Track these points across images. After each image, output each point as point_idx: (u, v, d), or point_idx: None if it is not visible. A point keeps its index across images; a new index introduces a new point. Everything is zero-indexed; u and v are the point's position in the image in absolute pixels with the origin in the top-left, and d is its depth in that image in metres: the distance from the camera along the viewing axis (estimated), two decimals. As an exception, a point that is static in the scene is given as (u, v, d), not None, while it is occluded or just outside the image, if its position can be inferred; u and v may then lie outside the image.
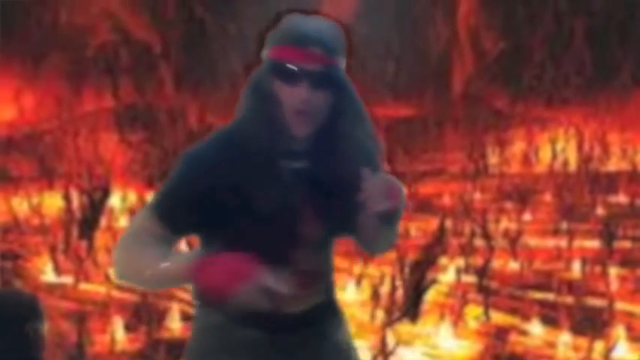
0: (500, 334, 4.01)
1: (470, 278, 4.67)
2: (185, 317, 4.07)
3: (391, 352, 3.65)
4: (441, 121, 9.82)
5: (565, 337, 3.89)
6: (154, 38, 9.99)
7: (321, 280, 1.86)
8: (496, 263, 4.91)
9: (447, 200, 6.62)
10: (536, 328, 4.03)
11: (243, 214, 1.69)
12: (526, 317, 4.14)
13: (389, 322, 3.98)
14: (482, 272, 4.56)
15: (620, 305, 4.29)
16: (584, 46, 10.37)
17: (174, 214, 1.70)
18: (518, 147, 8.87)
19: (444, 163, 8.23)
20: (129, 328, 4.02)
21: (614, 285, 4.63)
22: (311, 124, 1.70)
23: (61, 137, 8.45)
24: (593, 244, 5.35)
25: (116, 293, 4.52)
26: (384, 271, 4.58)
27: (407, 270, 4.28)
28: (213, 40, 10.08)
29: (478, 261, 4.83)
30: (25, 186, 6.73)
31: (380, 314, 4.11)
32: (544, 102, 10.13)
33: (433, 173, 7.82)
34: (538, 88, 10.35)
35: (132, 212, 5.83)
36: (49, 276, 4.89)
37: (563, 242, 5.31)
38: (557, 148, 8.43)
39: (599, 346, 3.77)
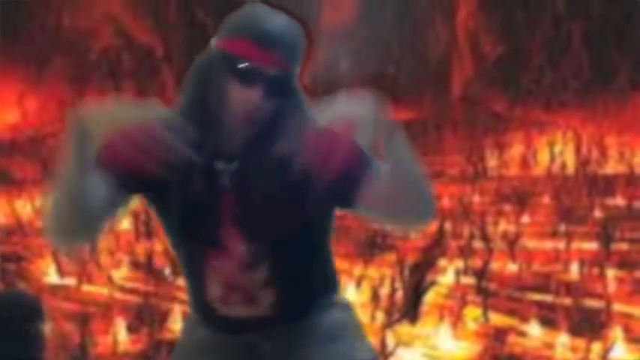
0: (499, 335, 4.02)
1: (469, 280, 4.69)
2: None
3: (391, 353, 3.68)
4: (440, 124, 9.86)
5: (563, 338, 3.91)
6: (156, 42, 10.03)
7: (281, 291, 1.66)
8: (495, 265, 4.93)
9: (446, 203, 6.65)
10: (534, 329, 4.04)
11: (162, 202, 1.60)
12: (524, 318, 4.16)
13: (389, 324, 4.00)
14: (481, 274, 4.58)
15: (617, 307, 4.30)
16: (582, 50, 10.41)
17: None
18: (516, 150, 8.90)
19: (443, 166, 8.25)
20: (131, 329, 4.04)
21: (612, 286, 4.65)
22: (254, 131, 1.53)
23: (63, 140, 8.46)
24: (591, 246, 5.37)
25: (119, 295, 4.56)
26: (383, 272, 4.63)
27: (406, 272, 4.30)
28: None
29: (477, 263, 4.85)
30: (28, 188, 6.77)
31: (380, 315, 4.14)
32: (542, 105, 10.17)
33: (432, 176, 7.81)
34: (536, 91, 10.39)
35: (134, 214, 5.87)
36: (52, 278, 4.91)
37: (561, 244, 5.32)
38: (555, 151, 8.47)
39: (596, 347, 3.78)
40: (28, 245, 5.60)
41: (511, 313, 4.29)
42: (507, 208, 6.44)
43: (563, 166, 7.98)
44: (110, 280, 4.69)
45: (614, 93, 9.77)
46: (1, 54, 9.08)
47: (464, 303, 4.27)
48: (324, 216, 1.66)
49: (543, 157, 8.50)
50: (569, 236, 5.42)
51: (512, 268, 5.03)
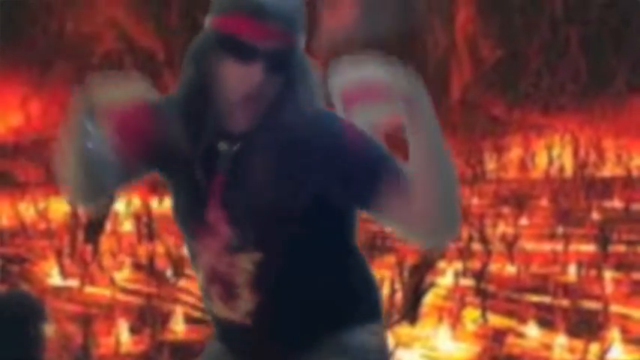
0: (498, 336, 4.04)
1: (468, 282, 4.71)
2: (189, 320, 4.13)
3: (390, 354, 3.70)
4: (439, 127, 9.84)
5: (561, 340, 3.93)
6: (158, 46, 10.06)
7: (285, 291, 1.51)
8: (493, 267, 4.96)
9: (445, 205, 6.64)
10: (532, 331, 4.06)
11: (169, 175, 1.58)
12: (523, 320, 4.17)
13: (388, 325, 4.02)
14: (479, 276, 4.61)
15: (615, 308, 4.32)
16: (579, 54, 10.46)
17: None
18: (515, 153, 8.94)
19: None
20: (133, 330, 4.05)
21: (609, 288, 4.67)
22: (256, 112, 1.45)
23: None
24: (589, 248, 5.39)
25: (121, 296, 4.58)
26: (383, 274, 4.65)
27: (406, 273, 4.33)
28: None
29: (476, 265, 4.88)
30: (31, 191, 6.81)
31: (380, 317, 4.16)
32: (540, 109, 10.20)
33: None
34: (534, 95, 10.43)
35: (136, 217, 5.91)
36: (55, 279, 4.94)
37: (559, 246, 5.35)
38: (553, 154, 8.51)
39: (594, 348, 3.80)
40: (31, 247, 5.63)
41: (509, 314, 4.31)
42: (506, 210, 6.47)
43: (561, 169, 8.02)
44: (112, 282, 4.71)
45: (611, 96, 9.81)
46: (5, 58, 9.12)
47: (463, 304, 4.29)
48: (330, 214, 1.50)
49: (541, 160, 8.53)
50: (567, 238, 5.45)
51: (510, 269, 5.05)
